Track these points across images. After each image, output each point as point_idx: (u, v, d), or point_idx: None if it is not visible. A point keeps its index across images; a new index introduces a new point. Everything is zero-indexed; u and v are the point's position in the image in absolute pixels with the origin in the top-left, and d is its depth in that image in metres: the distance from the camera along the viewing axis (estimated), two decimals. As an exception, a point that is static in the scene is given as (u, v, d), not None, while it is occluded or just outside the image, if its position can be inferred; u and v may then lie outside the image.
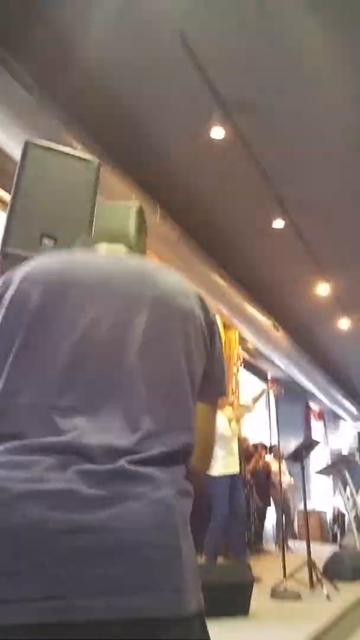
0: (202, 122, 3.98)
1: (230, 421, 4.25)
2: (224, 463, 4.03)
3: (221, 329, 7.22)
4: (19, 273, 0.83)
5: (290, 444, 6.05)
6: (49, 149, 1.88)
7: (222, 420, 4.12)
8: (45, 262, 0.85)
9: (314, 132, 4.29)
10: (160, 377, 0.77)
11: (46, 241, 1.86)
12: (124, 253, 0.96)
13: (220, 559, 4.25)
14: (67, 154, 1.91)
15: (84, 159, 1.96)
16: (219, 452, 4.00)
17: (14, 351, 0.75)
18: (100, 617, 0.59)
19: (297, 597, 3.33)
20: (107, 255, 0.90)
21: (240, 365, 7.71)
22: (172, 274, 0.89)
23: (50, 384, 0.73)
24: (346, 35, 3.43)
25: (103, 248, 0.96)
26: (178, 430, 0.75)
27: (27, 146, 1.86)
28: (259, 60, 3.62)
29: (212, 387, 0.88)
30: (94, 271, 0.84)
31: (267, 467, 7.05)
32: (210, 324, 0.87)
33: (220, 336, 0.91)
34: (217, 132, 4.01)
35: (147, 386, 0.75)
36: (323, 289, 7.03)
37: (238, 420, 4.46)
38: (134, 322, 0.79)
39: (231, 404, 4.31)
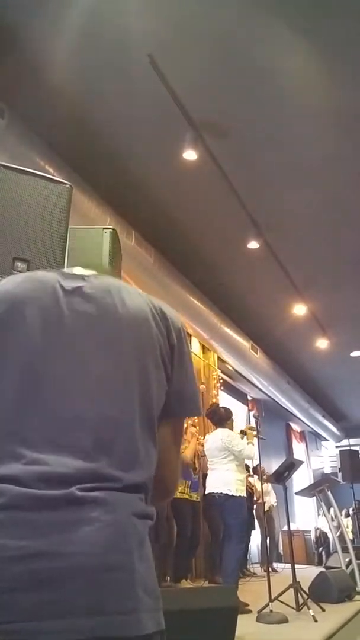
0: (175, 145, 4.05)
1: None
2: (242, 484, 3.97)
3: (199, 352, 7.25)
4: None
5: (272, 465, 6.03)
6: (20, 171, 1.90)
7: (249, 445, 4.09)
8: (8, 282, 0.85)
9: (286, 154, 4.40)
10: (116, 413, 0.76)
11: (19, 264, 1.86)
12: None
13: (205, 583, 4.16)
14: (39, 176, 1.93)
15: (56, 181, 1.98)
16: (242, 475, 3.97)
17: None
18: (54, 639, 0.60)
19: (284, 620, 3.27)
20: (72, 275, 0.89)
21: (220, 388, 7.71)
22: (135, 295, 0.89)
23: (5, 412, 0.73)
24: (318, 57, 3.54)
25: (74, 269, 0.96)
26: (136, 467, 0.75)
27: (-2, 169, 1.88)
28: (229, 83, 3.72)
29: (182, 406, 0.88)
30: (51, 293, 0.83)
31: (250, 488, 7.00)
32: (173, 345, 0.86)
33: (188, 352, 0.90)
34: (190, 155, 4.07)
35: (103, 422, 0.74)
36: (300, 309, 7.12)
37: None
38: (88, 352, 0.79)
39: (245, 431, 4.30)
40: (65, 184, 1.95)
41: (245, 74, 3.64)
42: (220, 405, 4.96)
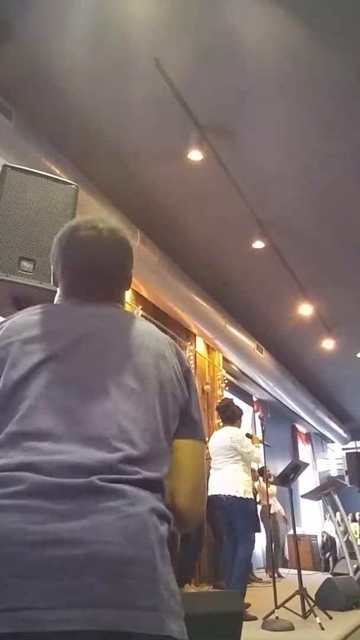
0: (180, 145, 4.03)
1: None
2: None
3: (204, 352, 7.22)
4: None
5: (278, 467, 5.98)
6: (27, 172, 1.88)
7: (257, 449, 4.02)
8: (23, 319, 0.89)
9: (290, 153, 4.38)
10: (138, 413, 0.79)
11: (25, 264, 1.84)
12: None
13: (209, 587, 4.11)
14: (45, 177, 1.91)
15: (62, 182, 1.96)
16: (249, 476, 3.90)
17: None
18: (75, 628, 0.59)
19: (290, 627, 3.23)
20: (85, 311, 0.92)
21: (225, 388, 7.66)
22: (148, 326, 0.94)
23: (29, 409, 0.76)
24: (319, 58, 3.53)
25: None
26: (152, 462, 0.76)
27: (5, 170, 1.85)
28: (234, 84, 3.71)
29: (192, 428, 0.90)
30: (70, 330, 0.87)
31: (255, 491, 6.95)
32: (186, 369, 0.92)
33: (194, 383, 0.95)
34: (195, 155, 4.05)
35: (124, 421, 0.77)
36: (305, 309, 7.07)
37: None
38: (110, 358, 0.84)
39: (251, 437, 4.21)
40: (71, 184, 1.93)
41: (251, 76, 3.63)
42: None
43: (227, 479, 3.74)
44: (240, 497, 3.67)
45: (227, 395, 7.74)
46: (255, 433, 4.82)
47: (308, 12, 3.19)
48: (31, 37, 3.33)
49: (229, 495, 3.68)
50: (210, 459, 4.00)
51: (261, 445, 4.11)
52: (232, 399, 4.63)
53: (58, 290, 0.99)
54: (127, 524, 0.66)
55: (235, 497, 3.66)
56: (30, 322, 0.86)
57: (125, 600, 0.62)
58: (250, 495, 3.78)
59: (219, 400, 6.08)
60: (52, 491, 0.66)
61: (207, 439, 4.14)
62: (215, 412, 6.68)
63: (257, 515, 5.71)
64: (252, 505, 3.80)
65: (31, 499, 0.65)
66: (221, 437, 3.95)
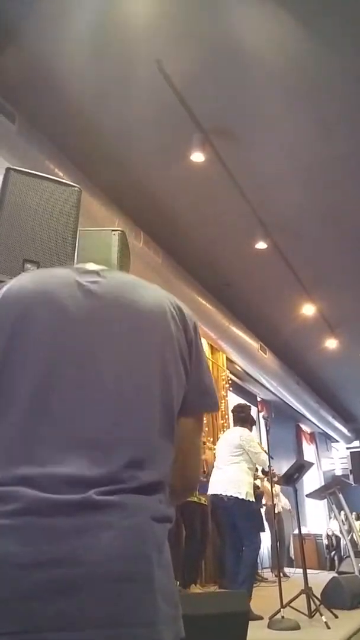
0: (182, 147, 4.05)
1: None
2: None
3: (208, 353, 7.22)
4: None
5: (282, 467, 5.98)
6: (30, 175, 1.89)
7: (264, 453, 3.97)
8: (21, 282, 0.83)
9: (292, 154, 4.39)
10: (136, 410, 0.74)
11: (29, 266, 1.85)
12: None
13: (214, 588, 4.10)
14: (48, 179, 1.92)
15: (65, 184, 1.97)
16: (251, 478, 3.85)
17: None
18: None
19: (296, 626, 3.23)
20: (87, 271, 0.86)
21: (229, 389, 7.67)
22: (152, 290, 0.87)
23: (21, 412, 0.71)
24: (321, 61, 3.55)
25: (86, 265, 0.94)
26: (152, 464, 0.72)
27: (8, 173, 1.87)
28: (236, 86, 3.72)
29: (202, 400, 0.86)
30: (68, 288, 0.81)
31: (260, 490, 6.95)
32: (190, 340, 0.85)
33: (202, 347, 0.89)
34: (197, 157, 4.07)
35: (121, 418, 0.72)
36: (308, 309, 7.07)
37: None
38: (107, 349, 0.77)
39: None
40: (74, 186, 1.94)
41: (252, 77, 3.64)
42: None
43: (230, 479, 3.70)
44: (242, 499, 3.63)
45: (231, 395, 7.76)
46: (260, 432, 4.82)
47: (310, 15, 3.21)
48: (34, 40, 3.35)
49: (231, 496, 3.64)
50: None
51: (265, 448, 4.12)
52: (250, 406, 4.65)
53: None
54: (125, 539, 0.64)
55: (237, 498, 3.63)
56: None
57: (122, 619, 0.61)
58: (252, 498, 3.73)
59: (225, 401, 6.10)
60: (48, 509, 0.64)
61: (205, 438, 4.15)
62: (220, 413, 6.71)
63: (261, 516, 5.72)
64: (254, 506, 3.78)
65: (27, 517, 0.63)
66: (231, 436, 3.94)
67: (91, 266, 0.89)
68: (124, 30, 3.28)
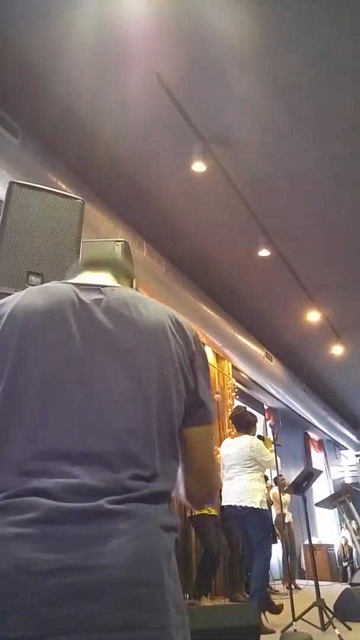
0: (184, 157, 4.07)
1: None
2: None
3: (213, 361, 7.20)
4: (3, 309, 0.84)
5: (291, 475, 5.92)
6: (33, 188, 1.91)
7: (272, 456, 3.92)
8: (25, 300, 0.85)
9: (293, 161, 4.40)
10: (139, 425, 0.77)
11: (33, 278, 1.86)
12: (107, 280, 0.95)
13: (225, 600, 4.03)
14: (51, 192, 1.93)
15: (68, 197, 1.98)
16: (264, 486, 3.82)
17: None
18: None
19: (308, 639, 3.17)
20: (88, 287, 0.89)
21: (236, 397, 7.62)
22: (152, 307, 0.89)
23: (33, 426, 0.74)
24: (319, 71, 3.57)
25: (87, 276, 0.96)
26: (159, 475, 0.75)
27: (11, 186, 1.88)
28: (235, 96, 3.74)
29: (207, 412, 0.89)
30: (68, 306, 0.84)
31: (270, 500, 6.88)
32: (192, 354, 0.87)
33: (206, 361, 0.92)
34: (199, 166, 4.08)
35: (125, 434, 0.75)
36: (313, 316, 7.05)
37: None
38: (108, 365, 0.79)
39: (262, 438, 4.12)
40: (77, 199, 1.95)
41: (252, 86, 3.66)
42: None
43: (244, 489, 3.66)
44: (257, 508, 3.59)
45: (238, 404, 7.70)
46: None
47: (309, 23, 3.22)
48: (35, 55, 3.39)
49: (245, 506, 3.60)
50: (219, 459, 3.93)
51: (273, 447, 4.03)
52: (245, 407, 4.58)
53: None
54: (136, 546, 0.67)
55: (252, 508, 3.59)
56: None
57: (135, 622, 0.63)
58: (266, 506, 3.71)
59: (232, 409, 6.03)
60: (62, 517, 0.66)
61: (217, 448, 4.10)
62: (227, 422, 6.66)
63: (273, 525, 5.65)
64: (268, 515, 3.73)
65: (43, 525, 0.66)
66: (240, 446, 3.84)
67: (92, 279, 0.92)
68: (125, 44, 3.31)
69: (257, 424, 4.22)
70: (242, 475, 3.74)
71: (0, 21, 3.16)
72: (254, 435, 4.02)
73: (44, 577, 0.62)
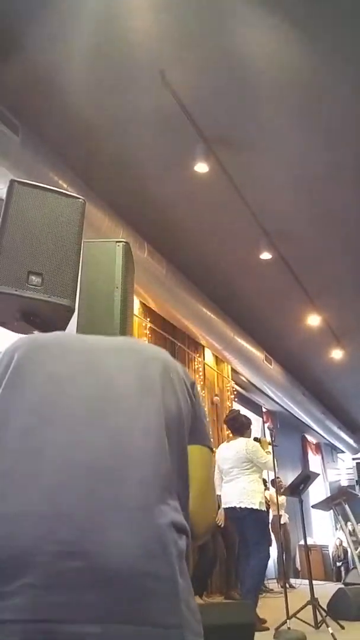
0: (186, 158, 4.07)
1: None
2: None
3: (213, 364, 7.22)
4: (11, 349, 0.89)
5: (288, 478, 5.94)
6: (33, 186, 1.93)
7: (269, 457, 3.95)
8: (36, 341, 0.94)
9: (295, 164, 4.42)
10: (144, 449, 0.78)
11: (33, 278, 1.88)
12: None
13: (221, 599, 4.05)
14: (52, 191, 1.95)
15: (69, 196, 2.00)
16: (262, 487, 3.85)
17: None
18: None
19: (302, 637, 3.19)
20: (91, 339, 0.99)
21: (234, 399, 7.65)
22: (150, 346, 1.01)
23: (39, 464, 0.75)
24: (321, 73, 3.59)
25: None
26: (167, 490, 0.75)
27: (12, 185, 1.91)
28: (238, 96, 3.76)
29: (198, 436, 0.92)
30: (76, 353, 0.91)
31: (267, 503, 6.89)
32: (191, 385, 0.94)
33: (199, 394, 0.98)
34: (201, 167, 4.09)
35: (129, 466, 0.75)
36: (314, 320, 7.06)
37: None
38: (118, 405, 0.82)
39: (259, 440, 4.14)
40: (79, 198, 1.97)
41: (256, 87, 3.68)
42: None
43: (243, 491, 3.70)
44: (256, 510, 3.64)
45: (236, 406, 7.72)
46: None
47: (310, 28, 3.25)
48: (37, 52, 3.39)
49: (244, 507, 3.65)
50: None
51: (270, 448, 4.05)
52: (238, 410, 4.61)
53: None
54: (147, 536, 0.66)
55: (251, 509, 3.63)
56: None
57: (147, 617, 0.62)
58: (264, 507, 3.74)
59: (227, 413, 6.05)
60: (72, 506, 0.68)
61: (215, 450, 4.12)
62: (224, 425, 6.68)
63: (269, 527, 5.67)
64: (266, 516, 3.76)
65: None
66: (237, 449, 3.88)
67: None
68: (128, 42, 3.30)
69: (256, 426, 4.26)
70: (241, 477, 3.77)
71: (3, 17, 3.17)
72: (249, 437, 4.04)
73: (51, 559, 0.62)
